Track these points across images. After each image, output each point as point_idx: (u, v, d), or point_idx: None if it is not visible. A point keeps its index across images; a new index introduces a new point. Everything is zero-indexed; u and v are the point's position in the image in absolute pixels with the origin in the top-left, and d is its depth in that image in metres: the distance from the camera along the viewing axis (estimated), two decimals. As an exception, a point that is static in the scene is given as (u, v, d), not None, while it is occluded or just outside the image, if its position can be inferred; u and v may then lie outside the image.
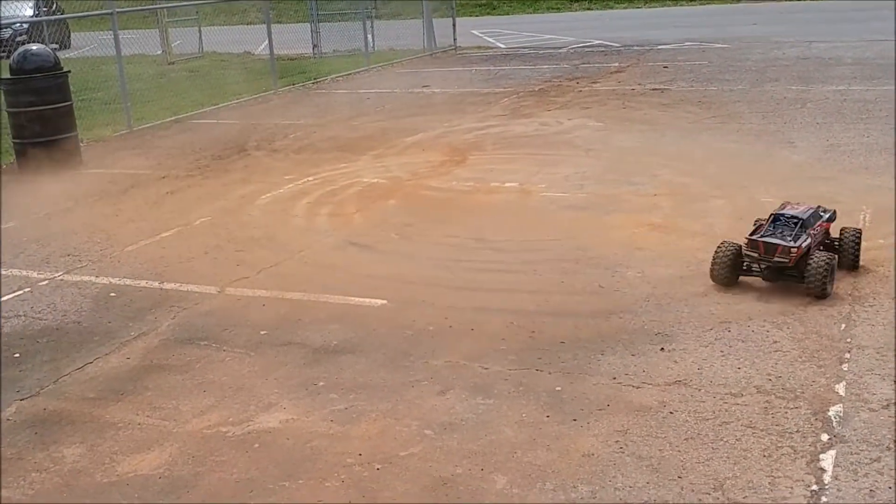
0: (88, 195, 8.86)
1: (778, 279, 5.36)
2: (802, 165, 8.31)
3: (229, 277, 6.19)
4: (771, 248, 5.25)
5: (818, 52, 16.42)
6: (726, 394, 4.20)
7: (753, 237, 5.38)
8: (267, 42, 16.27)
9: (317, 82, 16.83)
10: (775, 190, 7.45)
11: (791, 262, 5.22)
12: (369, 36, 19.75)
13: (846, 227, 5.70)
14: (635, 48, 19.04)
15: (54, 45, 13.73)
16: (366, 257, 6.48)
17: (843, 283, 5.38)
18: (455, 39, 21.63)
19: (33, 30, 19.50)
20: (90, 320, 5.64)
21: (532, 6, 33.61)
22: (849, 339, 4.69)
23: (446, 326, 5.16)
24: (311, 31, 20.98)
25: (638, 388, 4.31)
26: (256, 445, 4.01)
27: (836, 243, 5.63)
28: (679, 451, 3.76)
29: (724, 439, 3.82)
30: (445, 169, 9.02)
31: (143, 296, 5.98)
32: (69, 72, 10.29)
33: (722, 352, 4.63)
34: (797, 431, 3.85)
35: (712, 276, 5.47)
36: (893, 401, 4.03)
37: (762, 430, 3.87)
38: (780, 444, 3.76)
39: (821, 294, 5.14)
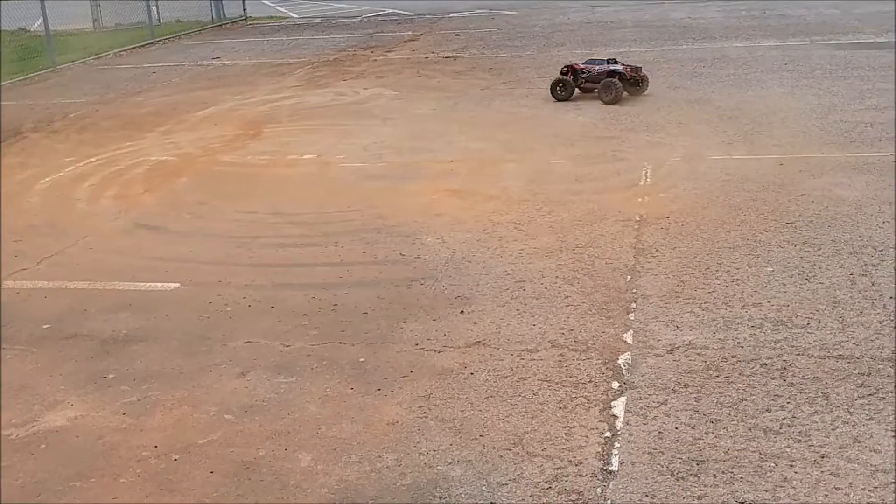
0: None
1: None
2: (587, 126, 8.66)
3: (7, 269, 5.78)
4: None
5: (601, 17, 17.15)
6: (523, 350, 4.33)
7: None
8: (42, 17, 15.24)
9: (99, 58, 15.96)
10: (563, 150, 7.75)
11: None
12: (154, 7, 18.91)
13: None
14: (428, 17, 19.21)
15: None
16: (156, 239, 6.22)
17: (627, 237, 5.65)
18: (245, 10, 21.08)
19: None
20: None
21: (325, -25, 33.17)
22: (634, 290, 4.93)
23: (245, 306, 5.04)
24: (91, 5, 19.85)
25: (440, 352, 4.38)
26: (43, 446, 3.78)
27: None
28: (480, 410, 3.84)
29: (522, 395, 3.94)
30: (240, 143, 8.79)
31: None
32: None
33: (518, 310, 4.77)
34: (590, 382, 4.02)
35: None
36: (677, 345, 4.28)
37: (557, 384, 4.02)
38: (574, 395, 3.91)
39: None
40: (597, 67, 9.90)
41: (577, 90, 9.91)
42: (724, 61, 11.57)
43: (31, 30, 20.18)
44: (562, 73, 10.02)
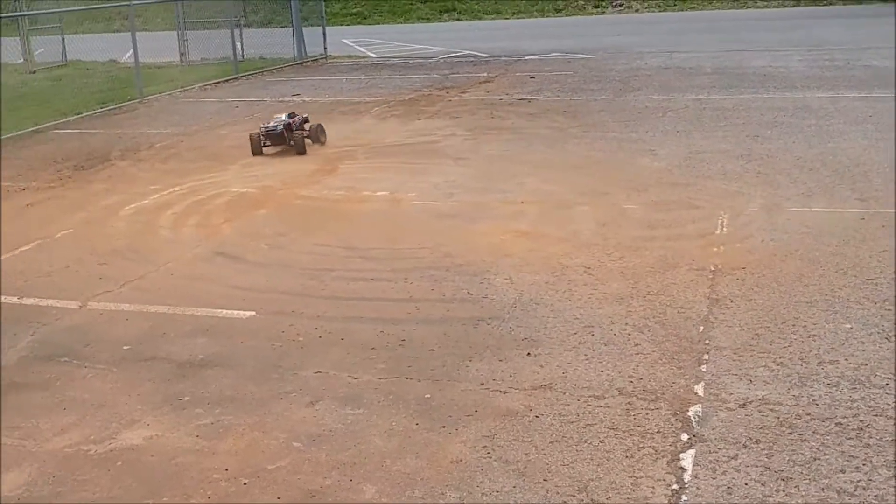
0: (-62, 208, 8.42)
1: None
2: (662, 172, 8.62)
3: (91, 291, 5.98)
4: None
5: (679, 62, 17.08)
6: (590, 396, 4.32)
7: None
8: (132, 50, 15.81)
9: (184, 91, 16.46)
10: (637, 196, 7.73)
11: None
12: (238, 44, 19.46)
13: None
14: (503, 58, 19.38)
15: None
16: (234, 268, 6.38)
17: (700, 287, 5.61)
18: (325, 48, 21.53)
19: None
20: (-60, 340, 5.36)
21: (403, 16, 33.77)
22: (707, 341, 4.88)
23: (316, 337, 5.13)
24: (179, 39, 20.51)
25: (505, 393, 4.39)
26: (119, 463, 3.89)
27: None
28: (544, 454, 3.84)
29: (588, 441, 3.93)
30: (316, 178, 8.97)
31: (2, 312, 5.71)
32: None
33: (586, 355, 4.76)
34: (658, 432, 3.99)
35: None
36: (749, 400, 4.23)
37: (624, 432, 4.00)
38: (641, 445, 3.88)
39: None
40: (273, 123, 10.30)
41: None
42: (806, 111, 11.43)
43: (121, 61, 20.95)
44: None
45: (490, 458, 3.82)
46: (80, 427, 4.23)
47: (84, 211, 8.03)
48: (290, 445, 3.98)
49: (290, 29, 21.04)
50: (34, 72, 20.30)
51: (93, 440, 4.10)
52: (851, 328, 4.95)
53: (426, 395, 4.39)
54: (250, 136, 10.28)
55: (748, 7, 30.21)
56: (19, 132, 12.54)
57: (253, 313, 5.50)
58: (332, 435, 4.06)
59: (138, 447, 4.02)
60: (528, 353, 4.81)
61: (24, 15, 19.52)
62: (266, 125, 10.25)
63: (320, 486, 3.67)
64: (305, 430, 4.11)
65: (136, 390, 4.57)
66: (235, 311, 5.53)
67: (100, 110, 14.36)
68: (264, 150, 10.16)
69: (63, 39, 22.06)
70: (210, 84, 17.17)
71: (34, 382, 4.71)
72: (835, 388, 4.29)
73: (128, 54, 18.86)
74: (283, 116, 10.31)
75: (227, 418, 4.24)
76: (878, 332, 4.87)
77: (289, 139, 10.11)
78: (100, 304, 5.77)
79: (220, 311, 5.56)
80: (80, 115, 13.90)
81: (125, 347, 5.10)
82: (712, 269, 5.93)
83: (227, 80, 17.64)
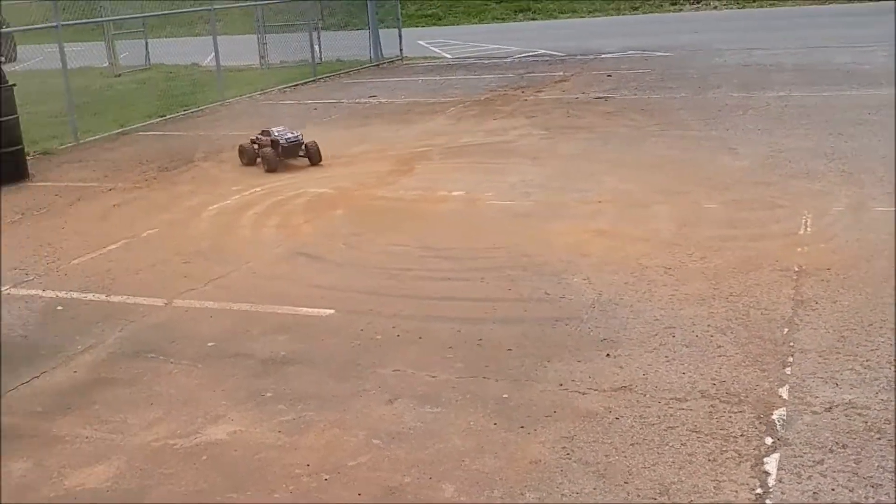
0: (35, 208, 8.73)
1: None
2: (744, 171, 8.47)
3: (176, 289, 6.14)
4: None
5: (759, 59, 16.74)
6: (671, 399, 4.27)
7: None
8: (214, 53, 16.14)
9: (264, 93, 16.75)
10: (717, 195, 7.60)
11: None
12: (316, 47, 19.71)
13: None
14: (579, 57, 19.25)
15: (0, 59, 13.47)
16: (313, 267, 6.47)
17: (784, 288, 5.50)
18: (401, 50, 21.68)
19: (-22, 42, 19.19)
20: (37, 334, 5.56)
21: (478, 17, 33.79)
22: (791, 343, 4.78)
23: (394, 335, 5.17)
24: (258, 43, 20.88)
25: (584, 394, 4.37)
26: (204, 457, 3.99)
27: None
28: (625, 456, 3.81)
29: (670, 444, 3.88)
30: (392, 178, 9.04)
31: (90, 309, 5.91)
32: (14, 85, 10.14)
33: (667, 357, 4.70)
34: (741, 435, 3.92)
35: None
36: (836, 404, 4.13)
37: (707, 435, 3.94)
38: (724, 448, 3.82)
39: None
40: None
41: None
42: (891, 108, 11.09)
43: (203, 65, 21.41)
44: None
45: (570, 459, 3.81)
46: (166, 422, 4.34)
47: (169, 211, 8.24)
48: (370, 442, 4.03)
49: (367, 31, 21.24)
50: (119, 75, 20.88)
51: (179, 434, 4.20)
52: (943, 331, 4.79)
53: (504, 395, 4.39)
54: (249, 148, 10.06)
55: (828, 3, 29.43)
56: (105, 134, 12.92)
57: (332, 311, 5.57)
58: (411, 433, 4.09)
59: (222, 442, 4.11)
60: (608, 354, 4.77)
61: (109, 20, 20.06)
62: (281, 135, 9.84)
63: (399, 483, 3.70)
64: (384, 427, 4.15)
65: (221, 386, 4.67)
66: (315, 310, 5.61)
67: (183, 113, 14.70)
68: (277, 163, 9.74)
69: (146, 43, 22.64)
70: (289, 86, 17.44)
71: (122, 378, 4.85)
72: (927, 393, 4.16)
73: (209, 58, 19.27)
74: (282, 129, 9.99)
75: (308, 414, 4.31)
76: (973, 336, 4.71)
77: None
78: (185, 301, 5.92)
79: (300, 309, 5.65)
80: (163, 118, 14.25)
81: (209, 344, 5.21)
82: (796, 269, 5.80)
83: (305, 83, 17.89)
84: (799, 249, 6.16)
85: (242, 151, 10.09)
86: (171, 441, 4.15)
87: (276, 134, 9.81)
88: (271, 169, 9.57)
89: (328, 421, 4.24)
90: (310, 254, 6.76)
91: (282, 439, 4.10)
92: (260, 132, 10.09)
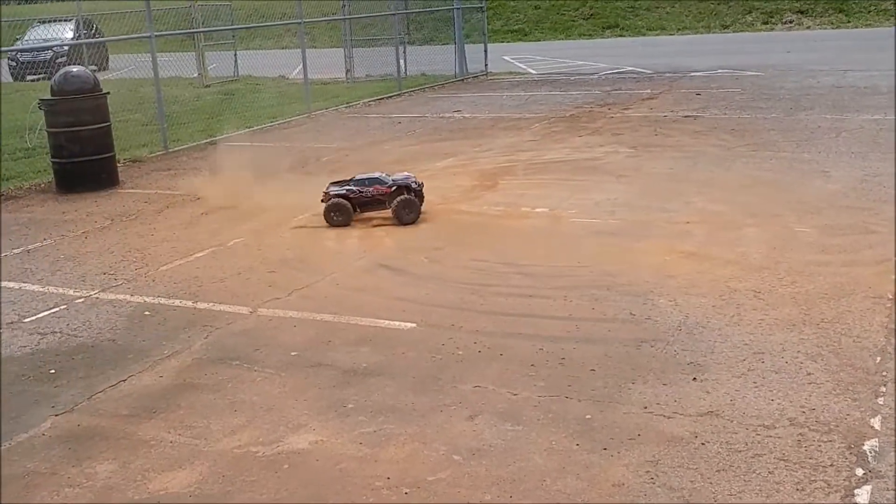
0: (124, 215, 8.98)
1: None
2: (837, 194, 8.23)
3: (261, 298, 6.23)
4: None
5: (853, 81, 16.31)
6: (759, 426, 4.15)
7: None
8: (301, 66, 16.43)
9: (350, 106, 16.97)
10: (809, 219, 7.40)
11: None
12: (402, 61, 19.91)
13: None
14: (667, 75, 19.03)
15: (93, 67, 13.95)
16: (396, 280, 6.50)
17: (877, 315, 5.32)
18: (486, 65, 21.76)
19: (73, 52, 19.95)
20: (124, 338, 5.69)
21: (564, 32, 33.71)
22: (884, 373, 4.62)
23: (475, 351, 5.15)
24: (345, 56, 21.19)
25: (669, 417, 4.28)
26: (286, 466, 4.02)
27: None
28: (711, 482, 3.72)
29: (757, 472, 3.78)
30: (476, 193, 9.04)
31: (177, 315, 6.03)
32: (108, 93, 10.48)
33: (755, 383, 4.58)
34: (831, 465, 3.80)
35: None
36: (930, 436, 3.97)
37: (795, 464, 3.82)
38: (813, 478, 3.70)
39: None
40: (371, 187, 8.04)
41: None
42: None
43: (290, 77, 21.81)
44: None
45: (654, 483, 3.73)
46: (249, 429, 4.39)
47: (255, 221, 8.37)
48: (450, 458, 4.01)
49: (452, 46, 21.38)
50: (208, 86, 21.41)
51: (261, 442, 4.25)
52: None
53: (587, 416, 4.33)
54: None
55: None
56: (194, 143, 13.24)
57: (414, 325, 5.58)
58: (492, 450, 4.06)
59: (304, 451, 4.14)
60: (694, 378, 4.67)
61: (200, 31, 20.60)
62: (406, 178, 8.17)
63: (479, 500, 3.67)
64: (465, 443, 4.13)
65: (303, 395, 4.71)
66: (397, 322, 5.63)
67: (270, 124, 14.97)
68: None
69: (235, 55, 23.19)
70: (374, 100, 17.63)
71: (207, 384, 4.93)
72: None
73: (296, 70, 19.63)
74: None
75: (388, 427, 4.31)
76: None
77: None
78: (269, 310, 6.00)
79: (382, 321, 5.67)
80: (250, 129, 14.54)
81: (293, 353, 5.27)
82: (890, 297, 5.61)
83: (389, 97, 18.07)
84: (893, 277, 5.95)
85: (339, 209, 8.04)
86: (253, 448, 4.19)
87: (401, 179, 8.12)
88: (414, 220, 7.93)
89: (408, 434, 4.24)
90: (392, 266, 6.80)
91: (363, 451, 4.11)
92: (344, 182, 8.20)
